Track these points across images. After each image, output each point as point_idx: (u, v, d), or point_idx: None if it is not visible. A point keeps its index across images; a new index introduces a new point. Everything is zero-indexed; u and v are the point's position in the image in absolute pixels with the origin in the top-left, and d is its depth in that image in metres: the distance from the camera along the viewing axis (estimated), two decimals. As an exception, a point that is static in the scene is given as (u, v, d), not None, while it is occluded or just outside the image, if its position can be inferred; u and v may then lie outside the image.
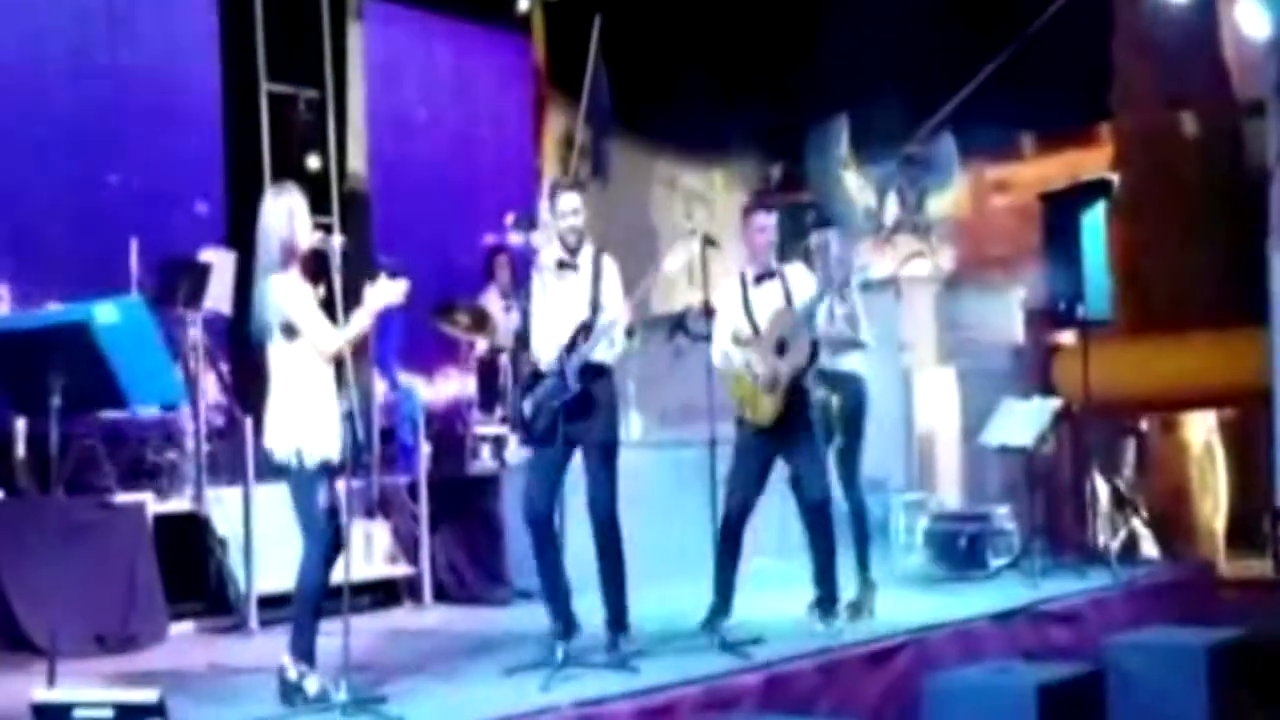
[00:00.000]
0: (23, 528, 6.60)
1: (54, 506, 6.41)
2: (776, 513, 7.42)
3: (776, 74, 11.33)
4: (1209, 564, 9.81)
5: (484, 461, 8.88)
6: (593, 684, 5.48)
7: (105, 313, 4.86)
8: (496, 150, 12.13)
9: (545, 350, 6.11)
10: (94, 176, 9.18)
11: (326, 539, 5.32)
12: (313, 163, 9.02)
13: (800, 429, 6.64)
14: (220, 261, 8.19)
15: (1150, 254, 10.51)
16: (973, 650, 6.74)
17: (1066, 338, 10.35)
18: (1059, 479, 10.01)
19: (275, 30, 8.89)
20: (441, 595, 8.21)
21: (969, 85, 11.05)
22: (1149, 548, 9.78)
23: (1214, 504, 10.55)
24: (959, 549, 8.74)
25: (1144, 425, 10.80)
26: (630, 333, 6.39)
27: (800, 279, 6.75)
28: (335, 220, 8.49)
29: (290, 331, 5.29)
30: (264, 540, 7.14)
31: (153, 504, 7.32)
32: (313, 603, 5.32)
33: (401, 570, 8.18)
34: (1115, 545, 9.13)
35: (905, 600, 7.54)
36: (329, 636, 5.34)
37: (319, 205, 7.66)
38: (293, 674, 5.25)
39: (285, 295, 5.29)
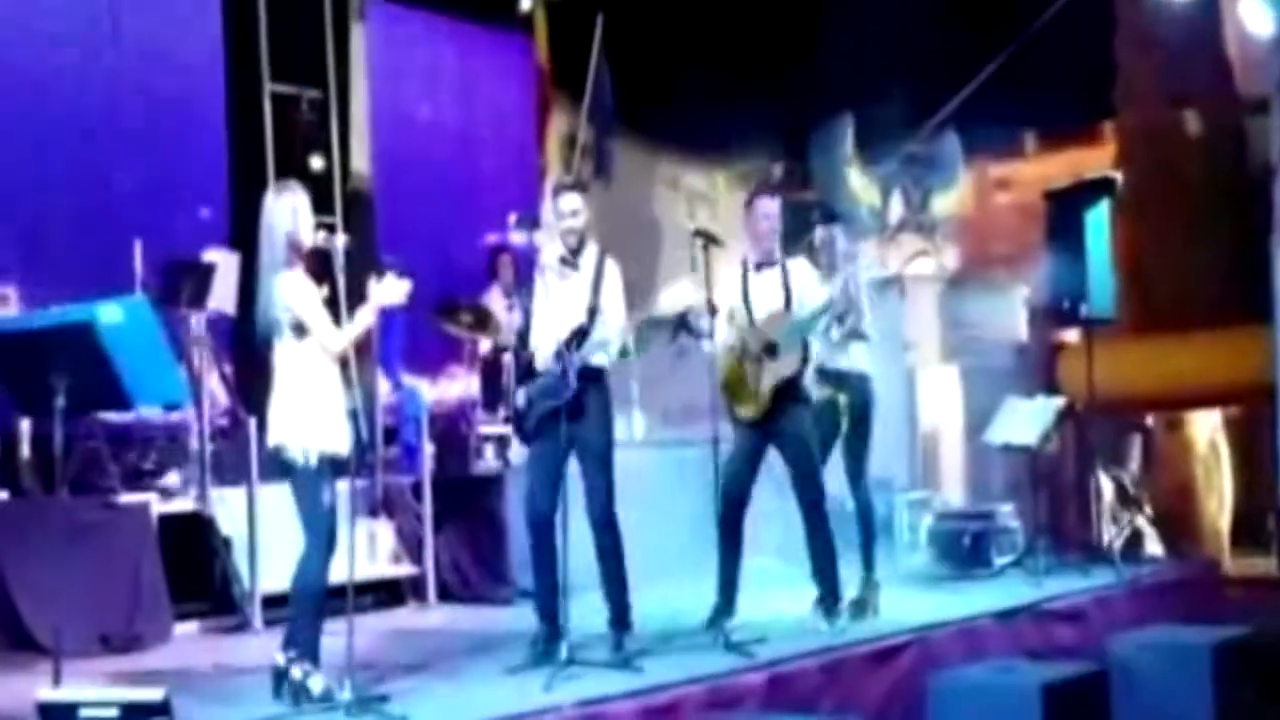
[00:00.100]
0: (28, 528, 6.61)
1: (58, 507, 6.40)
2: (778, 512, 7.42)
3: (779, 74, 11.31)
4: (1214, 562, 9.80)
5: (488, 461, 8.88)
6: (595, 683, 5.47)
7: (109, 313, 4.87)
8: (499, 150, 12.12)
9: (543, 349, 6.12)
10: (98, 177, 9.18)
11: (328, 537, 5.32)
12: (316, 163, 9.00)
13: (791, 429, 6.65)
14: (224, 262, 8.19)
15: (1154, 252, 10.49)
16: (977, 649, 6.74)
17: (1070, 336, 10.33)
18: (1063, 477, 9.99)
19: (278, 31, 8.88)
20: (445, 595, 8.22)
21: (972, 84, 11.07)
22: (1153, 546, 9.74)
23: (1219, 502, 10.52)
24: (963, 547, 8.73)
25: (1148, 423, 10.77)
26: (625, 354, 6.42)
27: (802, 273, 6.76)
28: (338, 220, 8.49)
29: (300, 330, 5.28)
30: (268, 540, 7.14)
31: (157, 504, 7.34)
32: (312, 600, 5.32)
33: (405, 570, 8.19)
34: (1119, 544, 9.12)
35: (909, 599, 7.54)
36: (333, 636, 5.35)
37: (322, 205, 7.67)
38: (296, 673, 5.24)
39: (294, 293, 5.29)
